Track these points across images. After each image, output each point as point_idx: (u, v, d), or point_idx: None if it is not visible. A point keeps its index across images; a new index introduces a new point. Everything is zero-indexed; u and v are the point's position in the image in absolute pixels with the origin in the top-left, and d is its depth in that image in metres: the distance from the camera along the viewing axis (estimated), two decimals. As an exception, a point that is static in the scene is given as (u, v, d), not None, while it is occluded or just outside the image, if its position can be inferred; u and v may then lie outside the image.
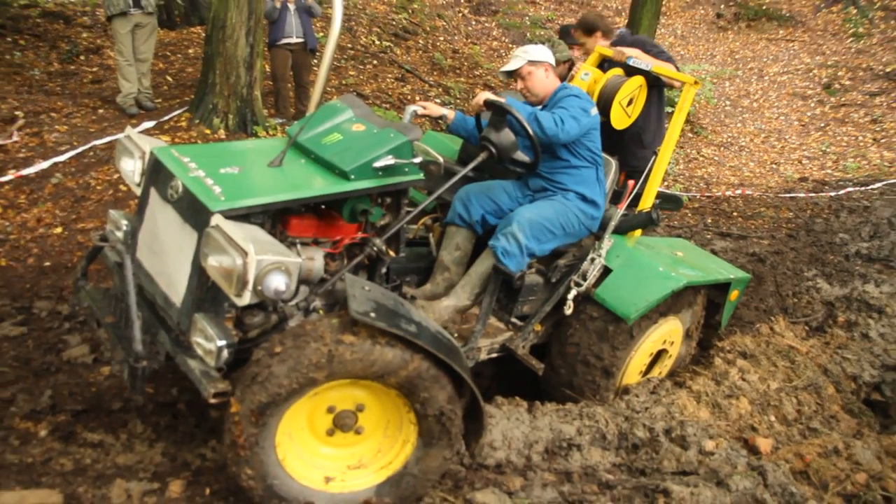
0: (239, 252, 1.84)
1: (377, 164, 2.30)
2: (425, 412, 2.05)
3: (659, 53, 3.49)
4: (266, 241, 2.02)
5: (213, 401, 1.90)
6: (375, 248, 2.37)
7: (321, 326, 1.93)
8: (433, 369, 2.00)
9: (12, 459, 2.25)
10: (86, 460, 2.29)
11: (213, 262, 1.92)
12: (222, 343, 1.92)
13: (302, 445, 2.07)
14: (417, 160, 2.40)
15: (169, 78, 7.05)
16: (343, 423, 2.08)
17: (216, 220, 1.94)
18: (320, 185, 2.25)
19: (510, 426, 2.60)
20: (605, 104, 3.28)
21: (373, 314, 1.90)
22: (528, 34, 11.77)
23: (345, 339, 1.89)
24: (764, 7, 14.13)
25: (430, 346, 1.96)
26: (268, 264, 1.86)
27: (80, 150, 5.08)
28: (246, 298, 1.86)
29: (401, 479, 2.15)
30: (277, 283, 1.88)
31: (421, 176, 2.46)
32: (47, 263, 3.95)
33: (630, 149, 3.56)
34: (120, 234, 2.40)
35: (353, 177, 2.27)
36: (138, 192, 2.37)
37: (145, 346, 2.05)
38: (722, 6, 14.22)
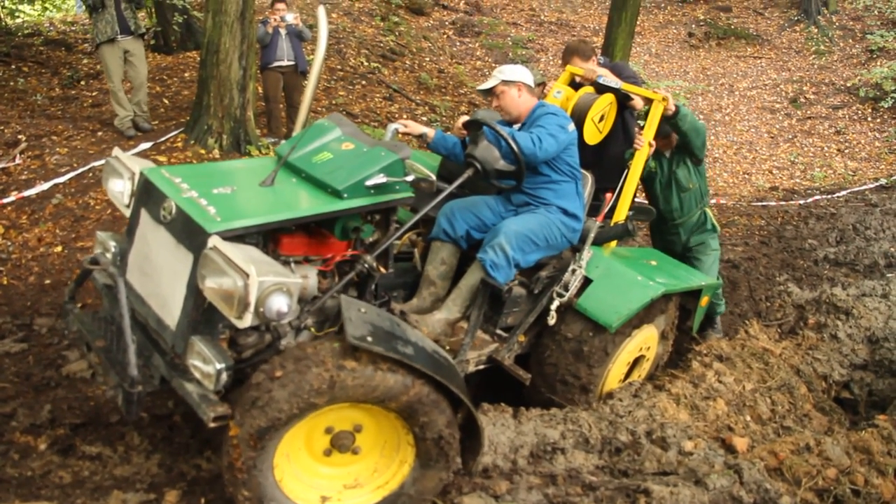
0: (240, 274, 1.80)
1: (369, 183, 2.30)
2: (424, 436, 2.05)
3: (628, 78, 3.68)
4: (265, 261, 1.98)
5: (212, 425, 1.87)
6: (366, 265, 2.38)
7: (322, 350, 1.90)
8: (434, 394, 1.99)
9: (12, 473, 2.27)
10: (84, 473, 2.32)
11: (211, 284, 1.88)
12: (221, 366, 1.90)
13: (299, 466, 2.06)
14: (409, 178, 2.41)
15: (165, 101, 7.14)
16: (341, 443, 2.07)
17: (214, 241, 1.91)
18: (314, 204, 2.23)
19: (496, 432, 2.65)
20: (577, 121, 3.41)
21: (370, 338, 1.88)
22: (510, 54, 12.02)
23: (347, 364, 1.87)
24: (732, 26, 14.60)
25: (430, 369, 1.95)
26: (270, 285, 1.82)
27: (79, 171, 5.15)
28: (247, 321, 1.83)
29: (397, 500, 2.14)
30: (280, 304, 1.85)
31: (411, 193, 2.47)
32: (48, 281, 4.01)
33: (619, 166, 3.69)
34: (109, 256, 2.33)
35: (345, 195, 2.26)
36: (127, 213, 2.33)
37: (139, 369, 2.00)
38: (693, 26, 14.66)
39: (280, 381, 1.84)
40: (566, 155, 2.99)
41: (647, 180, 3.98)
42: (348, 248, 2.43)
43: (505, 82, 3.03)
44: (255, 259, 1.90)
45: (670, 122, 3.55)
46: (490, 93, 3.08)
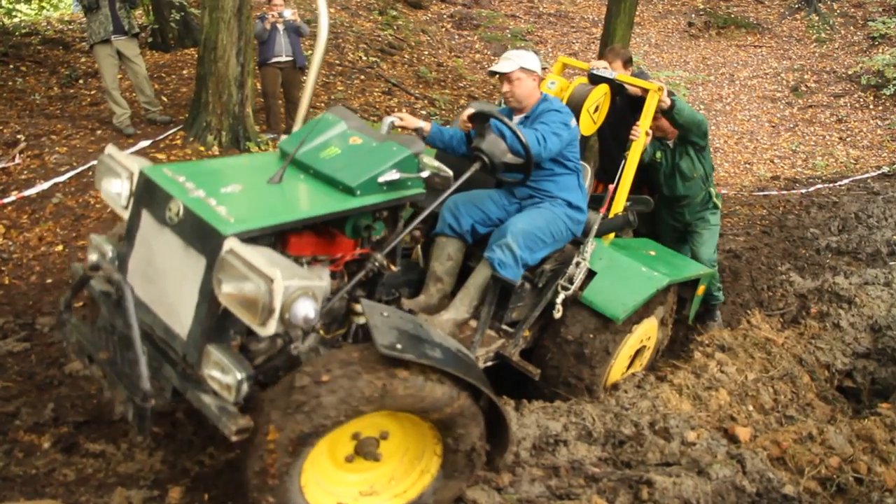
0: (263, 278, 1.67)
1: (382, 179, 2.20)
2: (457, 447, 1.99)
3: (639, 75, 3.68)
4: (287, 264, 1.86)
5: (234, 438, 1.75)
6: (377, 264, 2.29)
7: (372, 357, 1.82)
8: (474, 406, 1.95)
9: (17, 471, 2.28)
10: (88, 470, 2.33)
11: (229, 289, 1.75)
12: (242, 376, 1.77)
13: (320, 471, 2.00)
14: (425, 174, 2.31)
15: (164, 98, 7.14)
16: (366, 450, 2.00)
17: (231, 244, 1.78)
18: (327, 202, 2.13)
19: (499, 424, 2.67)
20: (573, 111, 3.41)
21: (399, 345, 1.81)
22: (509, 46, 11.97)
23: (398, 373, 1.80)
24: (732, 15, 14.51)
25: (472, 378, 1.90)
26: (295, 290, 1.71)
27: (79, 170, 5.14)
28: (271, 328, 1.71)
29: None
30: (306, 309, 1.73)
31: (423, 189, 2.37)
32: (49, 280, 4.02)
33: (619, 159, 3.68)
34: (108, 262, 2.17)
35: (359, 192, 2.16)
36: (124, 214, 2.18)
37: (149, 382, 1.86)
38: (693, 15, 14.57)
39: (328, 387, 1.75)
40: (567, 150, 2.97)
41: (650, 169, 3.94)
42: (357, 247, 2.33)
43: (523, 69, 2.91)
44: (277, 262, 1.78)
45: (667, 116, 3.56)
46: (503, 76, 2.93)
